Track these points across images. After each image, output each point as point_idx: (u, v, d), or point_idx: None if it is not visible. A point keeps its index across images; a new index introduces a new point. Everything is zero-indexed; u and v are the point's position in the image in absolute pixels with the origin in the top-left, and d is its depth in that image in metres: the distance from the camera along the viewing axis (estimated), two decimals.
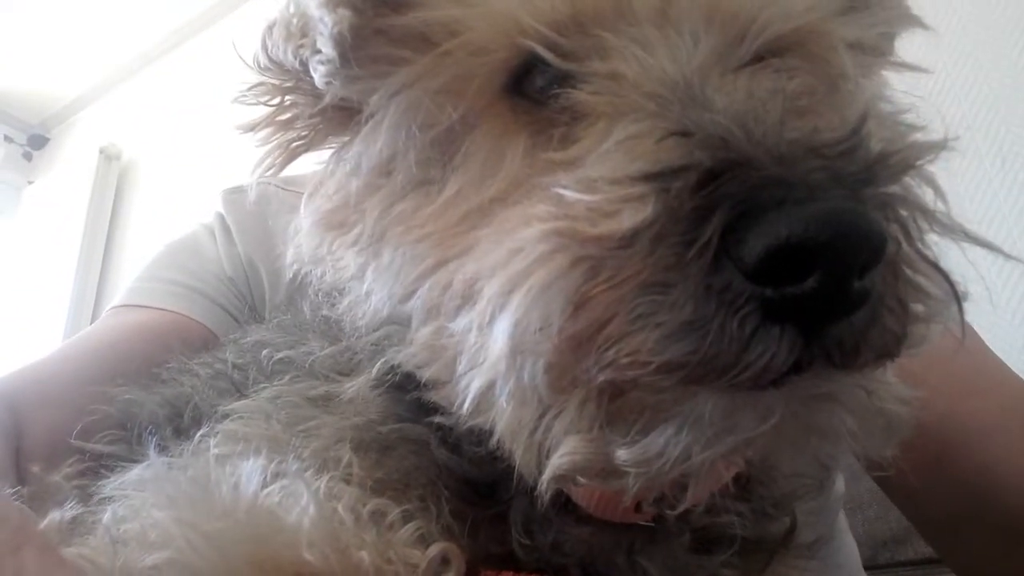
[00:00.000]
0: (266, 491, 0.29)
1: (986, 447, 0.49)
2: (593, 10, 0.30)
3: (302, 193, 0.38)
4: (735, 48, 0.29)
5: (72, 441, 0.44)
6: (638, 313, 0.23)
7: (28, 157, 3.35)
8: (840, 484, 0.69)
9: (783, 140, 0.23)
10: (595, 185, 0.25)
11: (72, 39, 2.98)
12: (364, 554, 0.28)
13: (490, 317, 0.27)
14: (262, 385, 0.40)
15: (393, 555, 0.29)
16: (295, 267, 0.68)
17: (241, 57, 0.37)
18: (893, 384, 0.27)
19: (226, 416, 0.38)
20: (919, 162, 0.25)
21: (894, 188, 0.24)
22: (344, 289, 0.37)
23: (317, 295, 0.43)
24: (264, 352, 0.42)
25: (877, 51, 0.34)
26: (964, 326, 0.27)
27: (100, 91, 3.26)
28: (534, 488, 0.31)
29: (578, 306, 0.24)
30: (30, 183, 3.18)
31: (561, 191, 0.25)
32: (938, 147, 0.26)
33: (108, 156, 2.96)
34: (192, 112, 2.84)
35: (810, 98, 0.27)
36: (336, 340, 0.41)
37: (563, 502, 0.35)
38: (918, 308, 0.24)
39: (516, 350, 0.26)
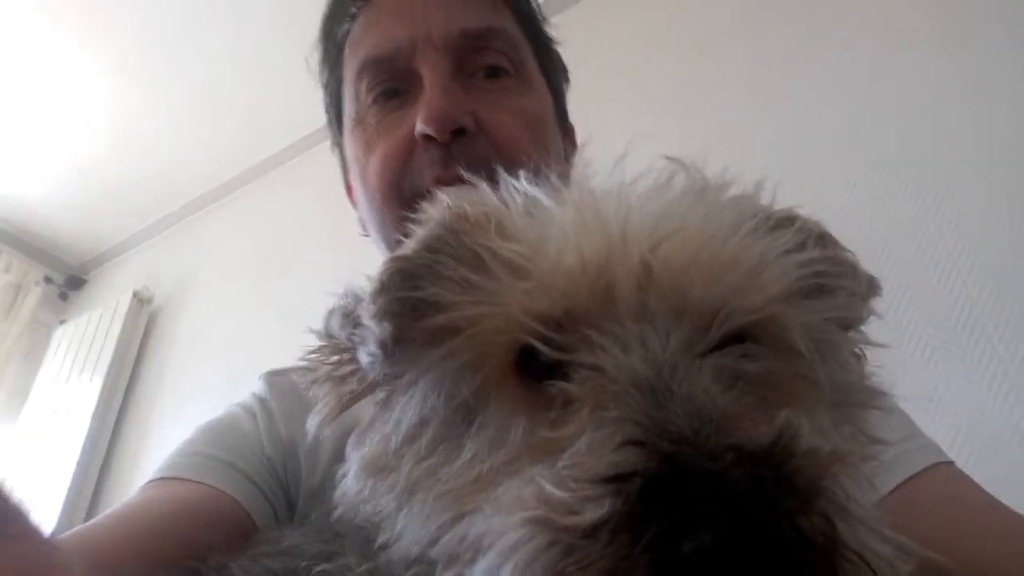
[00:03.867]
0: None
1: None
2: (583, 309, 0.36)
3: None
4: (702, 337, 0.36)
5: None
6: None
7: (64, 297, 3.49)
8: None
9: (717, 449, 0.29)
10: (567, 483, 0.30)
11: (119, 185, 3.19)
12: None
13: None
14: None
15: None
16: (328, 456, 0.72)
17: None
18: None
19: None
20: (840, 466, 0.30)
21: (820, 485, 0.29)
22: (382, 526, 0.41)
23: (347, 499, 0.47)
24: (303, 564, 0.46)
25: (838, 328, 0.40)
26: None
27: (140, 237, 3.45)
28: None
29: None
30: (61, 323, 3.28)
31: (543, 482, 0.31)
32: (853, 457, 0.31)
33: (141, 299, 3.08)
34: (223, 264, 2.99)
35: (762, 385, 0.33)
36: (370, 555, 0.44)
37: None
38: None
39: None
